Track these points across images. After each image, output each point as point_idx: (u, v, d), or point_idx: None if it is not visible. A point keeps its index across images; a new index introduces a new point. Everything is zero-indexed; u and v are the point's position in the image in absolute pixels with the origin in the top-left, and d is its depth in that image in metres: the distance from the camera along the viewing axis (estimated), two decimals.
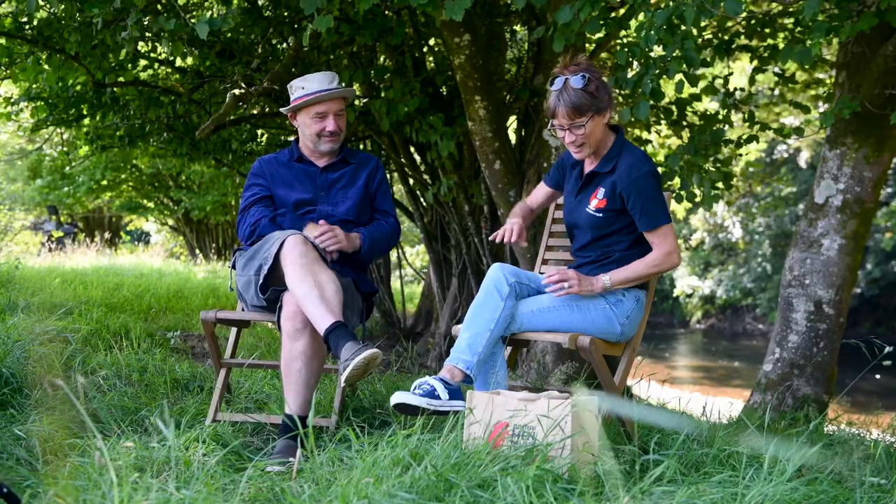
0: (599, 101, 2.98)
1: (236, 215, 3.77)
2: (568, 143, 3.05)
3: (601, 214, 3.08)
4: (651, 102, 4.10)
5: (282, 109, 3.60)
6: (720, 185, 5.53)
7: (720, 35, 5.85)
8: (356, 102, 6.31)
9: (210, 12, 6.20)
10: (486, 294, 2.99)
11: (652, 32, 3.71)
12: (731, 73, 6.07)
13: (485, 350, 2.92)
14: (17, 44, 5.99)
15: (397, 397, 2.78)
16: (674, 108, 5.94)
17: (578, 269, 3.17)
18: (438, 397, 2.80)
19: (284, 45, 6.40)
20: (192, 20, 4.60)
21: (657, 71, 3.92)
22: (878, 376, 11.74)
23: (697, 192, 5.33)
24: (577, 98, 2.95)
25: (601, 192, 3.08)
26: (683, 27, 3.72)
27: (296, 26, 5.78)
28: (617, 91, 6.74)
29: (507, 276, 3.01)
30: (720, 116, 5.65)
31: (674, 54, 3.76)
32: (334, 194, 3.50)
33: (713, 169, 5.45)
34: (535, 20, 5.47)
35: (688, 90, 5.70)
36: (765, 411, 3.95)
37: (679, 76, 4.03)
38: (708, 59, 5.50)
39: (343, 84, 3.57)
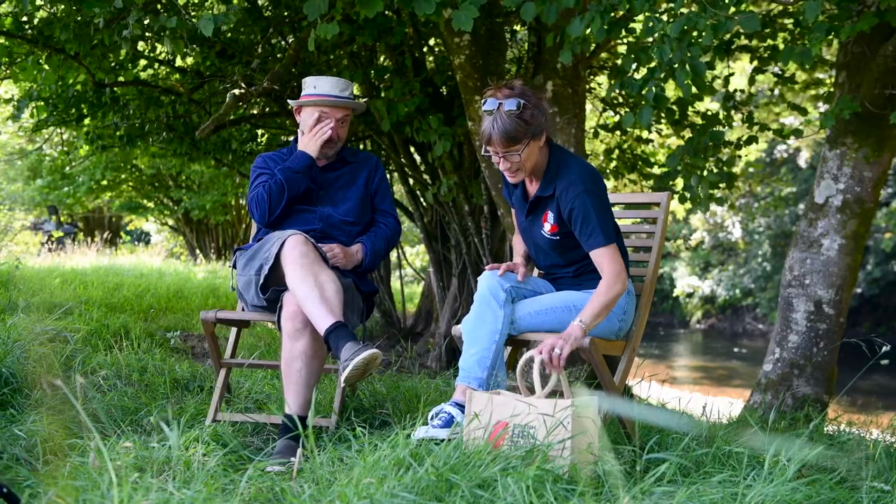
0: (535, 126, 2.89)
1: (236, 215, 3.75)
2: (503, 169, 2.98)
3: (558, 237, 3.05)
4: (653, 107, 4.08)
5: (289, 101, 3.59)
6: (721, 185, 5.52)
7: (720, 35, 5.84)
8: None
9: (211, 10, 6.20)
10: (484, 304, 2.96)
11: (664, 44, 3.70)
12: (731, 74, 6.06)
13: (493, 360, 2.91)
14: (17, 44, 5.99)
15: (420, 433, 2.72)
16: (675, 107, 5.93)
17: (557, 283, 3.16)
18: (458, 423, 2.79)
19: (284, 44, 6.40)
20: (193, 18, 4.58)
21: (662, 75, 3.91)
22: (876, 376, 11.74)
23: (699, 192, 5.33)
24: (512, 126, 2.84)
25: (550, 216, 3.04)
26: (686, 27, 3.71)
27: (295, 26, 5.78)
28: (618, 93, 6.77)
29: (502, 283, 2.98)
30: (721, 117, 5.64)
31: (686, 55, 3.74)
32: (334, 194, 3.50)
33: (714, 170, 5.44)
34: (536, 20, 5.46)
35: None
36: (765, 411, 3.95)
37: (687, 82, 4.01)
38: (707, 60, 5.50)
39: (354, 96, 3.54)
